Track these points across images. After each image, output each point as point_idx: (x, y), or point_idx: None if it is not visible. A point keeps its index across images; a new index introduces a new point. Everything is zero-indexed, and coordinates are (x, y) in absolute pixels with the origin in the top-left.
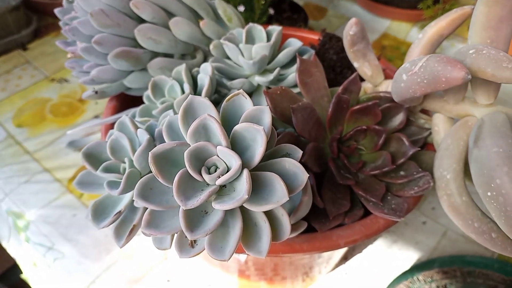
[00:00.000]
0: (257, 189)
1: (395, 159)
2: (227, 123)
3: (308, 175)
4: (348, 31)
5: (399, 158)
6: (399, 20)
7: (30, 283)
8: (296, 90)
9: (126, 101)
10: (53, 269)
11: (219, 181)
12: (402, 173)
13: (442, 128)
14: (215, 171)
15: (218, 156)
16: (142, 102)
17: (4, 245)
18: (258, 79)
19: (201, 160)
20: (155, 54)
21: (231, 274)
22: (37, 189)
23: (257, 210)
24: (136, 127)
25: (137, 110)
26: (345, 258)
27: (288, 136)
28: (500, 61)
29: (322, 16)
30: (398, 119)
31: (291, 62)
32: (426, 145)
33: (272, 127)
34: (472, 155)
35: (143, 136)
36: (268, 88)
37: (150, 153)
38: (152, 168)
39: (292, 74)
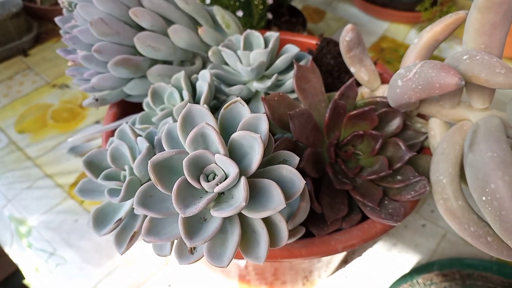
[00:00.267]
0: (255, 196)
1: (392, 163)
2: (225, 131)
3: (305, 181)
4: (344, 37)
5: (396, 162)
6: (397, 22)
7: None
8: (293, 96)
9: (126, 107)
10: (55, 274)
11: (217, 189)
12: (399, 177)
13: (438, 133)
14: (214, 178)
15: (216, 164)
16: (142, 108)
17: (7, 251)
18: (256, 85)
19: (199, 168)
20: (154, 61)
21: (232, 279)
22: (39, 195)
23: (255, 216)
24: (136, 135)
25: (137, 117)
26: (345, 262)
27: (285, 142)
28: (494, 67)
29: (321, 19)
30: (395, 124)
31: (288, 68)
32: (422, 149)
33: (270, 133)
34: (467, 159)
35: (142, 144)
36: (266, 94)
37: (149, 162)
38: (152, 177)
39: (289, 80)
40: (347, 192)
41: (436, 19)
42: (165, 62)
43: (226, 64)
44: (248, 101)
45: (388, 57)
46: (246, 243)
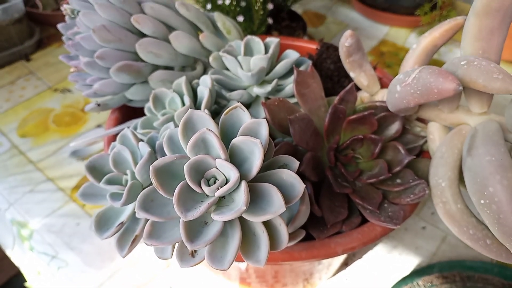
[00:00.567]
0: (255, 200)
1: (391, 167)
2: (226, 136)
3: (305, 185)
4: (344, 43)
5: (395, 166)
6: (398, 26)
7: None
8: (293, 101)
9: (128, 112)
10: (57, 277)
11: (218, 193)
12: (398, 181)
13: (437, 136)
14: (214, 183)
15: (217, 168)
16: (144, 113)
17: (8, 254)
18: (256, 90)
19: (200, 173)
20: (155, 67)
21: (233, 282)
22: (41, 198)
23: (255, 220)
24: (138, 140)
25: (138, 121)
26: (345, 264)
27: (286, 146)
28: (491, 72)
29: (321, 23)
30: (394, 128)
31: (288, 73)
32: (422, 153)
33: (270, 138)
34: (466, 163)
35: (144, 149)
36: (267, 98)
37: (151, 167)
38: (153, 181)
39: (289, 85)
40: (347, 196)
41: (436, 23)
42: (166, 68)
43: (227, 69)
44: (248, 105)
45: (388, 61)
46: (247, 246)
